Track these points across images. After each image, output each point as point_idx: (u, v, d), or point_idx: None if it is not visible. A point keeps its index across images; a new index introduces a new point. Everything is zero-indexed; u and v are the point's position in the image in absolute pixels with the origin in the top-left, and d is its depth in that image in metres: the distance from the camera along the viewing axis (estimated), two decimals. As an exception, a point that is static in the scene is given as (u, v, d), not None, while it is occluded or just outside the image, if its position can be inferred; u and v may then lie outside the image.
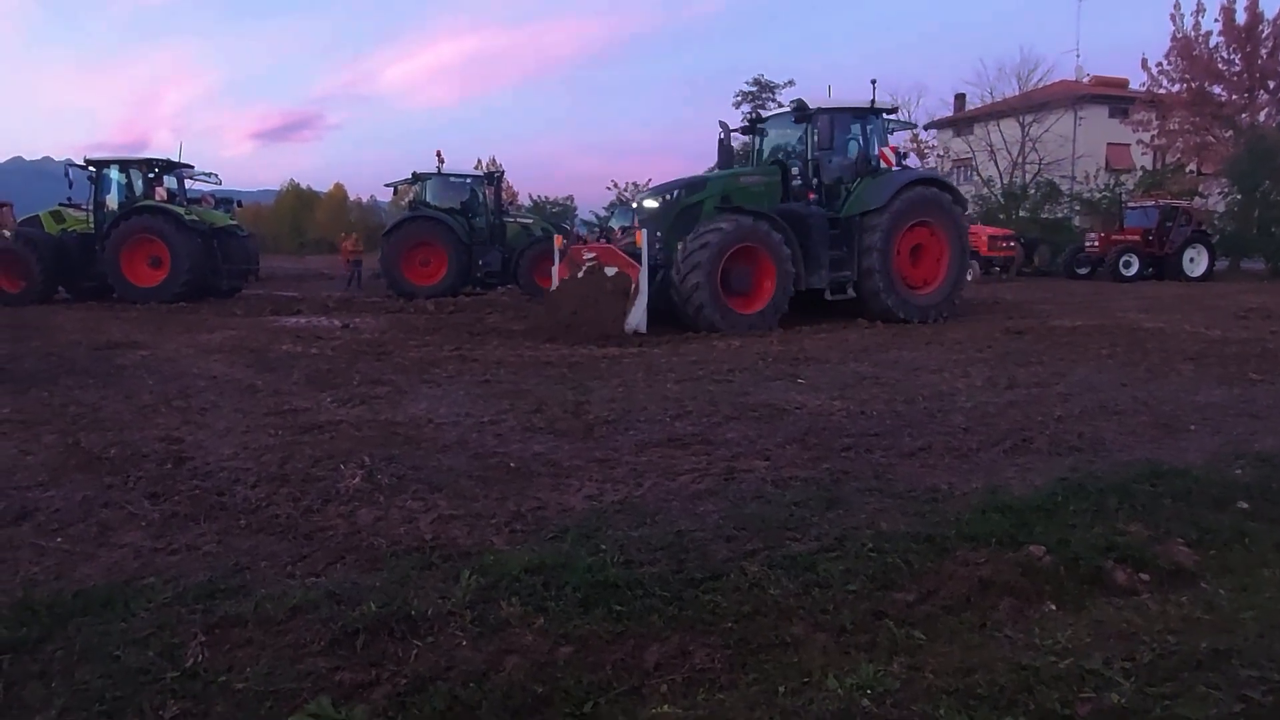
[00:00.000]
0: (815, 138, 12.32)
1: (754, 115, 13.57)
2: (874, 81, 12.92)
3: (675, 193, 12.16)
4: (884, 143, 13.16)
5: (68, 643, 2.78)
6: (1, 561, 3.53)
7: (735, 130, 13.46)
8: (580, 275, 11.44)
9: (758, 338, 10.55)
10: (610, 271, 11.12)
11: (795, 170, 12.59)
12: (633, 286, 10.82)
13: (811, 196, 12.45)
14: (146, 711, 2.43)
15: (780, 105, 13.79)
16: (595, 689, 2.57)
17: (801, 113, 12.49)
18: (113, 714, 2.43)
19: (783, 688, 2.56)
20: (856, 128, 12.93)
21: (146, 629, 2.86)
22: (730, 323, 11.12)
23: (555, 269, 12.53)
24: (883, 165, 12.77)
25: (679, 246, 11.27)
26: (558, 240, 13.10)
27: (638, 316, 10.78)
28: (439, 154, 19.36)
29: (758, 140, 13.84)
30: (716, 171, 12.73)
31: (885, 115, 13.33)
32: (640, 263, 10.81)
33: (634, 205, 13.50)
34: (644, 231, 10.97)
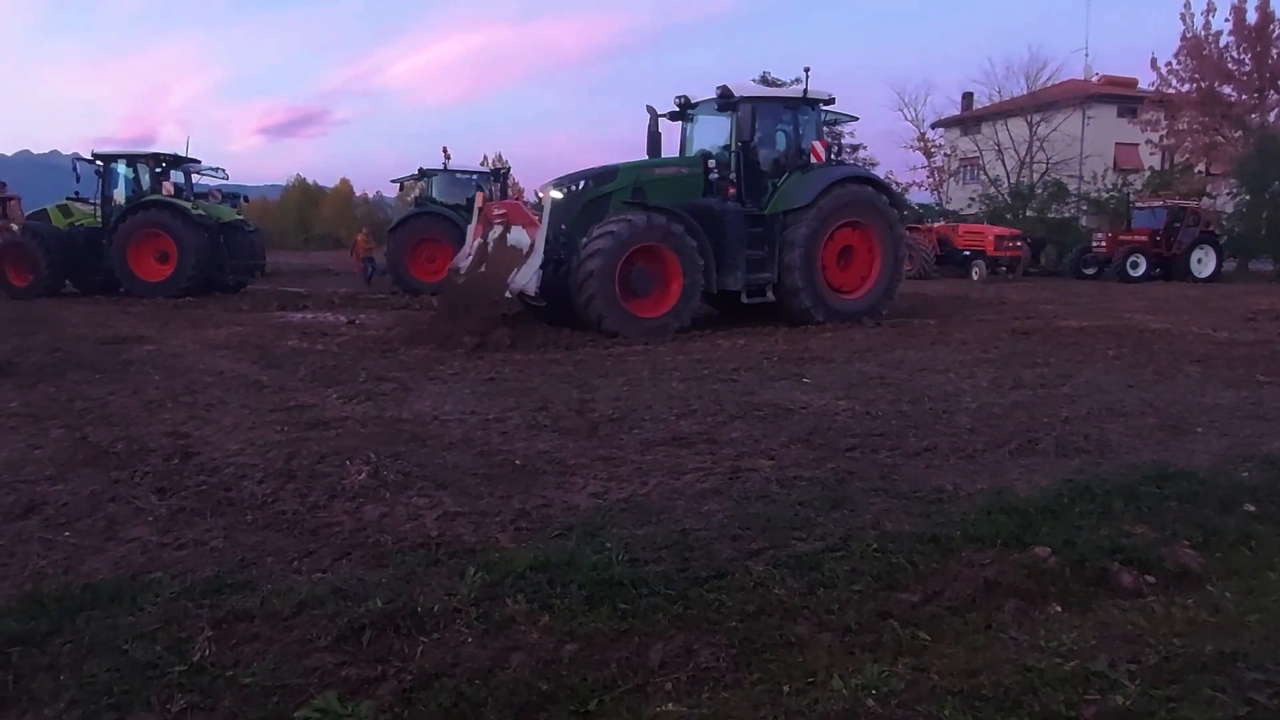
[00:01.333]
0: (738, 128, 11.36)
1: (682, 100, 12.20)
2: (807, 70, 11.94)
3: (581, 183, 11.19)
4: (818, 136, 12.23)
5: (76, 636, 2.80)
6: (10, 555, 3.55)
7: (664, 116, 12.39)
8: (492, 234, 10.70)
9: (763, 335, 10.54)
10: (515, 231, 10.34)
11: (712, 162, 11.55)
12: (528, 246, 9.99)
13: (731, 192, 11.49)
14: (154, 705, 2.44)
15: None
16: (600, 687, 2.58)
17: (725, 100, 11.40)
18: (120, 707, 2.44)
19: (787, 687, 2.56)
20: (788, 119, 12.04)
21: (154, 623, 2.87)
22: (628, 326, 10.31)
23: (470, 229, 11.69)
24: (813, 160, 11.85)
25: (582, 242, 10.49)
26: (479, 198, 12.24)
27: (526, 276, 9.87)
28: (445, 150, 19.39)
29: (686, 128, 12.65)
30: (626, 162, 11.65)
31: (822, 107, 12.32)
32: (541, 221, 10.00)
33: (538, 196, 12.51)
34: (550, 186, 10.24)
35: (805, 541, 3.61)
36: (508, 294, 9.69)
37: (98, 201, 17.28)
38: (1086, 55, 46.63)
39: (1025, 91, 38.45)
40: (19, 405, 6.44)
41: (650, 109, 12.21)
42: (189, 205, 17.08)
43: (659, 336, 10.25)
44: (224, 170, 19.47)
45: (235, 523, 3.91)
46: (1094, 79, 41.01)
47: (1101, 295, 18.28)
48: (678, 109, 12.41)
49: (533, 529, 3.82)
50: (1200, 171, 31.96)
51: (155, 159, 17.56)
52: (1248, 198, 27.01)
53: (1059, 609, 3.09)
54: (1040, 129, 35.40)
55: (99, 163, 17.18)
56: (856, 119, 14.98)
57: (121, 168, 17.45)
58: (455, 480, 4.50)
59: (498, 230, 10.71)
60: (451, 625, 2.87)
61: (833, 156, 12.71)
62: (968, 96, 43.82)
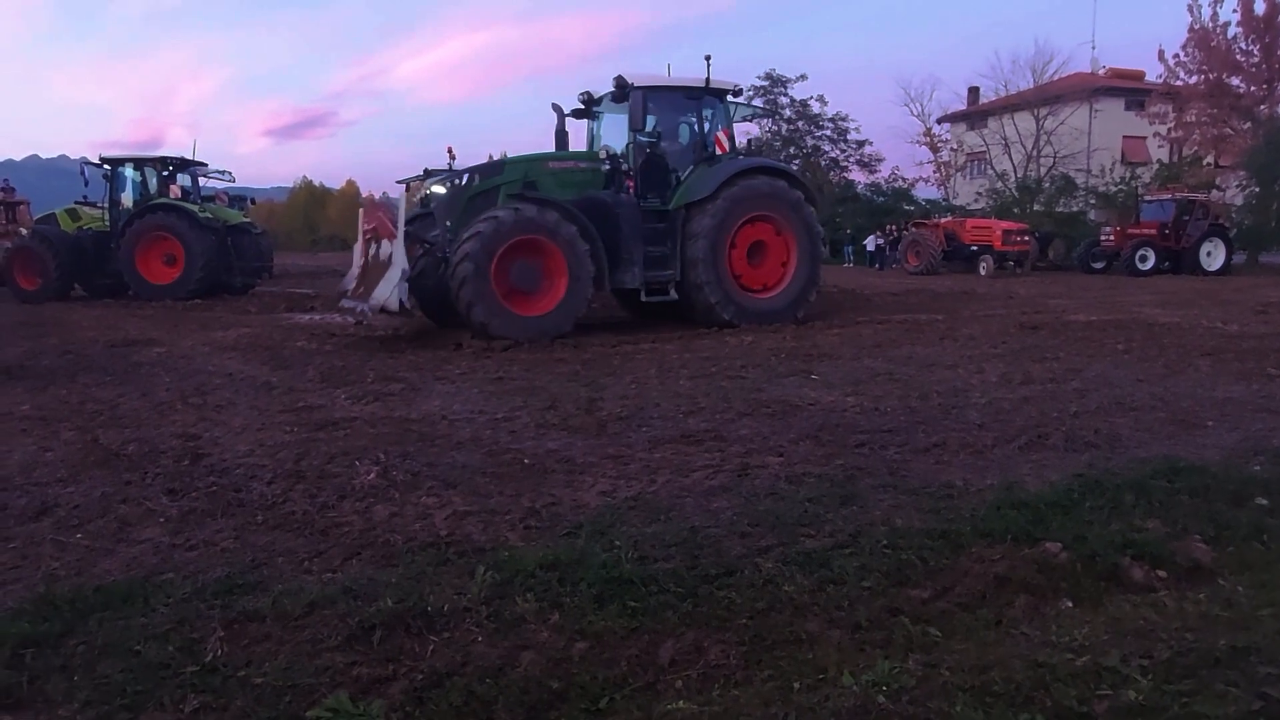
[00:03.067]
0: (630, 118, 10.70)
1: (585, 96, 11.66)
2: (708, 58, 11.41)
3: (465, 176, 10.68)
4: (724, 126, 11.62)
5: (89, 637, 2.81)
6: (23, 557, 3.58)
7: (569, 114, 11.92)
8: (370, 251, 10.25)
9: (771, 332, 10.53)
10: (384, 246, 9.78)
11: (604, 155, 11.03)
12: (388, 254, 9.38)
13: (629, 185, 10.88)
14: (167, 705, 2.45)
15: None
16: (610, 685, 2.58)
17: (620, 91, 10.81)
18: (133, 708, 2.45)
19: (798, 684, 2.56)
20: (691, 110, 11.49)
21: (166, 624, 2.89)
22: (507, 325, 9.73)
23: (356, 246, 11.20)
24: (717, 152, 11.35)
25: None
26: (360, 211, 11.61)
27: (386, 290, 9.23)
28: (450, 150, 19.43)
29: (592, 125, 12.09)
30: (519, 155, 11.19)
31: (729, 98, 11.70)
32: (398, 229, 9.44)
33: (423, 192, 11.79)
34: (402, 191, 9.91)
35: (815, 538, 3.60)
36: (369, 313, 9.15)
37: (105, 205, 17.37)
38: (1093, 48, 46.59)
39: (1032, 85, 38.34)
40: (30, 408, 6.48)
41: (556, 107, 11.81)
42: (196, 208, 17.16)
43: (544, 337, 9.73)
44: (230, 173, 19.56)
45: (246, 523, 3.93)
46: (1101, 72, 40.87)
47: (1110, 289, 18.21)
48: (582, 106, 11.83)
49: (542, 527, 3.82)
50: (1209, 164, 31.81)
51: (162, 162, 17.64)
52: (1257, 190, 26.88)
53: (1070, 604, 3.08)
54: (1047, 123, 35.28)
55: (106, 167, 17.27)
56: (772, 112, 14.35)
57: (129, 171, 17.54)
58: (464, 479, 4.51)
59: (373, 246, 10.31)
60: (462, 624, 2.88)
61: (748, 149, 12.04)
62: (974, 91, 43.69)
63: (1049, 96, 36.28)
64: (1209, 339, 9.54)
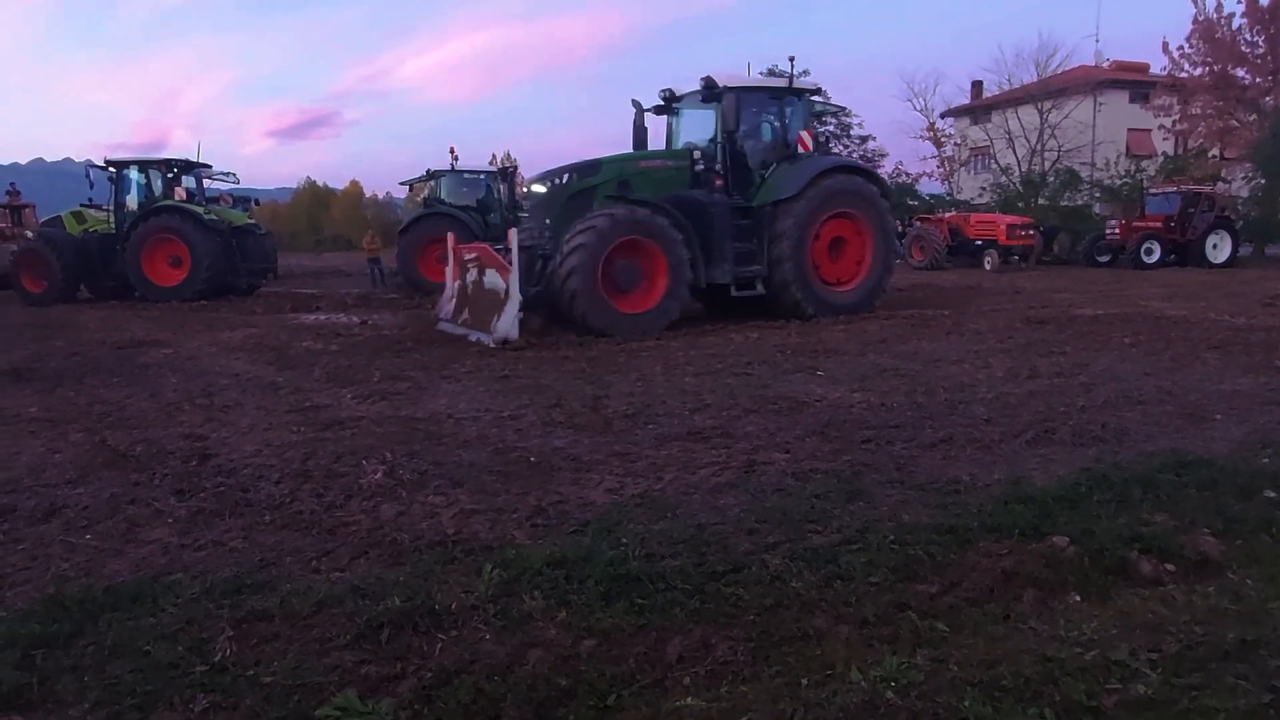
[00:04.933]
0: (723, 119, 11.08)
1: (667, 93, 11.91)
2: (792, 58, 11.80)
3: (565, 177, 10.91)
4: (805, 126, 11.98)
5: (98, 638, 2.83)
6: (33, 558, 3.59)
7: (649, 110, 12.19)
8: (469, 277, 10.69)
9: (776, 328, 10.52)
10: (488, 275, 10.19)
11: (697, 154, 11.29)
12: (503, 290, 9.73)
13: (718, 183, 11.20)
14: (176, 705, 2.46)
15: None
16: (618, 682, 2.58)
17: (710, 91, 11.09)
18: (144, 708, 2.46)
19: (805, 680, 2.56)
20: (774, 109, 11.80)
21: (175, 624, 2.90)
22: (614, 324, 10.03)
23: (448, 270, 11.65)
24: (800, 150, 11.64)
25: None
26: (449, 239, 12.03)
27: (507, 324, 9.55)
28: (452, 150, 19.47)
29: (672, 121, 12.35)
30: (611, 155, 11.45)
31: (808, 96, 12.17)
32: (511, 263, 9.66)
33: (522, 190, 12.23)
34: (513, 231, 10.05)
35: (822, 534, 3.60)
36: (491, 344, 9.40)
37: (111, 208, 17.41)
38: (1097, 41, 46.27)
39: (1035, 79, 38.12)
40: (38, 410, 6.50)
41: (635, 103, 12.04)
42: (201, 210, 17.19)
43: (646, 333, 10.05)
44: (235, 174, 19.59)
45: (254, 523, 3.94)
46: (1105, 64, 40.65)
47: (1116, 282, 18.15)
48: (663, 102, 12.14)
49: (549, 525, 3.83)
50: (1214, 156, 31.66)
51: (167, 164, 17.67)
52: (1263, 181, 26.73)
53: (1078, 598, 3.07)
54: (1051, 116, 35.12)
55: (111, 169, 17.30)
56: (845, 109, 14.80)
57: (134, 174, 17.57)
58: (471, 478, 4.51)
59: (471, 273, 10.66)
60: (469, 622, 2.89)
61: (820, 146, 12.29)
62: (977, 85, 43.50)
63: (1053, 90, 36.10)
64: (1216, 332, 9.50)
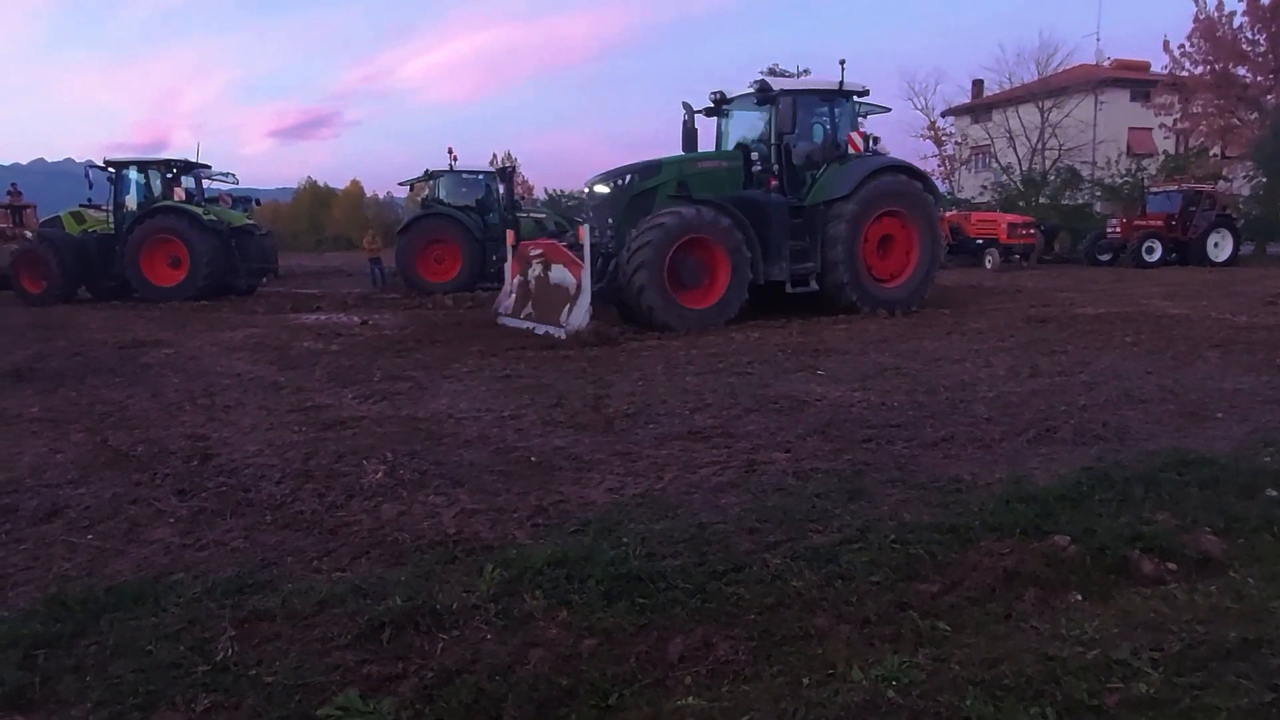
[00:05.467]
0: (778, 120, 11.54)
1: (718, 95, 12.40)
2: (842, 62, 12.10)
3: (627, 177, 11.32)
4: (854, 127, 12.39)
5: (100, 638, 2.83)
6: (35, 558, 3.60)
7: (699, 111, 12.60)
8: (532, 273, 11.03)
9: (777, 327, 10.52)
10: (555, 270, 10.55)
11: (756, 155, 11.77)
12: (575, 285, 10.14)
13: (773, 183, 11.60)
14: (179, 705, 2.47)
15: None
16: (619, 681, 2.58)
17: (764, 94, 11.61)
18: (146, 707, 2.47)
19: (807, 679, 2.56)
20: (824, 111, 12.20)
21: (177, 624, 2.90)
22: (679, 319, 10.45)
23: (508, 266, 12.03)
24: (850, 151, 12.03)
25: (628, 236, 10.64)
26: (509, 237, 12.40)
27: (579, 316, 9.92)
28: (450, 151, 19.49)
29: (722, 123, 12.81)
30: (669, 156, 11.88)
31: (856, 98, 12.48)
32: (583, 259, 10.05)
33: (584, 190, 12.63)
34: (585, 227, 10.45)
35: (823, 534, 3.60)
36: (564, 336, 9.70)
37: (110, 208, 17.42)
38: (1098, 39, 46.20)
39: (1036, 77, 38.12)
40: (40, 410, 6.51)
41: (686, 105, 12.40)
42: (200, 210, 17.20)
43: (709, 327, 10.43)
44: (234, 175, 19.61)
45: (255, 523, 3.94)
46: (1106, 63, 40.64)
47: (1117, 281, 18.14)
48: (713, 104, 12.52)
49: (550, 525, 3.83)
50: (1215, 155, 31.63)
51: (166, 165, 17.68)
52: (1264, 180, 26.70)
53: (1079, 597, 3.07)
54: (1052, 115, 35.11)
55: (111, 170, 17.31)
56: (889, 109, 15.18)
57: (133, 174, 17.58)
58: (472, 478, 4.52)
59: (536, 269, 11.03)
60: (471, 622, 2.89)
61: (871, 147, 12.83)
62: (978, 84, 43.49)
63: (1054, 89, 36.09)
64: (1217, 330, 9.49)
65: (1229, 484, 4.08)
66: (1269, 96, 28.92)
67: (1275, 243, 27.57)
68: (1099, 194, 32.54)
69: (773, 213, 11.31)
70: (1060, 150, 34.63)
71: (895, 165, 12.57)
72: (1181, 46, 30.48)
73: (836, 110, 12.21)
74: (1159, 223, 24.10)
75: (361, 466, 4.71)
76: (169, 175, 17.53)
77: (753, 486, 4.28)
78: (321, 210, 65.47)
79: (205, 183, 18.65)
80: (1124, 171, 31.76)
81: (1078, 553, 3.30)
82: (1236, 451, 4.72)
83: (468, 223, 18.35)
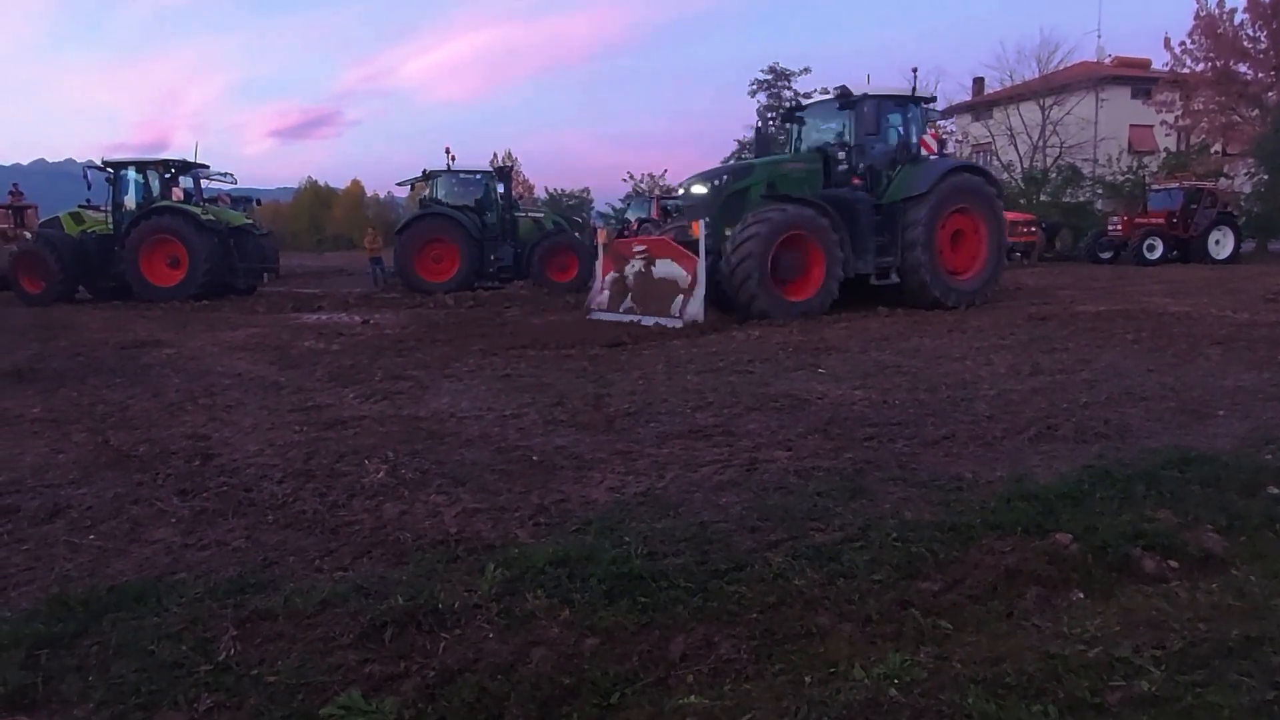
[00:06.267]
0: (860, 124, 12.51)
1: (793, 103, 13.91)
2: (915, 70, 13.25)
3: (723, 178, 12.29)
4: (923, 131, 13.32)
5: (103, 638, 2.83)
6: (36, 559, 3.60)
7: (772, 117, 14.14)
8: (631, 269, 11.77)
9: (777, 327, 10.52)
10: (661, 265, 11.27)
11: (842, 156, 12.64)
12: (690, 278, 10.93)
13: (856, 182, 12.50)
14: (181, 704, 2.47)
15: (812, 93, 13.97)
16: (622, 680, 2.58)
17: (846, 99, 12.59)
18: (148, 707, 2.47)
19: (809, 678, 2.56)
20: (898, 115, 13.09)
21: (179, 624, 2.90)
22: (781, 310, 11.20)
23: (599, 264, 12.66)
24: (923, 153, 12.96)
25: (727, 233, 11.36)
26: (600, 234, 13.20)
27: (695, 307, 10.79)
28: (449, 150, 19.48)
29: (796, 128, 13.94)
30: (762, 158, 12.94)
31: (924, 104, 13.54)
32: (696, 252, 10.92)
33: (680, 190, 13.57)
34: (701, 222, 11.10)
35: (824, 532, 3.60)
36: (680, 325, 10.44)
37: (109, 209, 17.42)
38: (1099, 37, 46.08)
39: (1037, 75, 38.06)
40: (41, 410, 6.51)
41: (760, 111, 14.73)
42: (199, 210, 17.20)
43: (806, 317, 11.14)
44: (232, 175, 19.60)
45: (256, 523, 3.94)
46: (1107, 61, 40.57)
47: (1118, 279, 18.13)
48: (787, 111, 13.87)
49: (551, 524, 3.83)
50: (1217, 152, 31.62)
51: (165, 165, 17.68)
52: (1266, 177, 26.68)
53: (1081, 595, 3.07)
54: (1053, 113, 35.06)
55: (109, 170, 17.31)
56: (949, 117, 16.43)
57: (132, 174, 17.58)
58: (473, 477, 4.52)
59: (636, 265, 11.75)
60: (472, 621, 2.89)
61: (944, 150, 13.83)
62: (979, 82, 43.44)
63: (1054, 86, 36.05)
64: (1219, 328, 9.49)
65: (1231, 481, 4.08)
66: (1270, 93, 28.90)
67: (1276, 240, 27.57)
68: (1100, 191, 32.53)
69: (860, 210, 12.11)
70: (1061, 148, 34.60)
71: (966, 166, 13.72)
72: (1182, 43, 30.50)
73: (908, 115, 13.13)
74: (1160, 220, 24.09)
75: (363, 466, 4.71)
76: (167, 175, 17.53)
77: (754, 485, 4.27)
78: (322, 210, 65.48)
79: (204, 183, 18.65)
80: (1125, 169, 31.76)
81: (1079, 551, 3.30)
82: (1238, 449, 4.71)
83: (466, 222, 18.34)
